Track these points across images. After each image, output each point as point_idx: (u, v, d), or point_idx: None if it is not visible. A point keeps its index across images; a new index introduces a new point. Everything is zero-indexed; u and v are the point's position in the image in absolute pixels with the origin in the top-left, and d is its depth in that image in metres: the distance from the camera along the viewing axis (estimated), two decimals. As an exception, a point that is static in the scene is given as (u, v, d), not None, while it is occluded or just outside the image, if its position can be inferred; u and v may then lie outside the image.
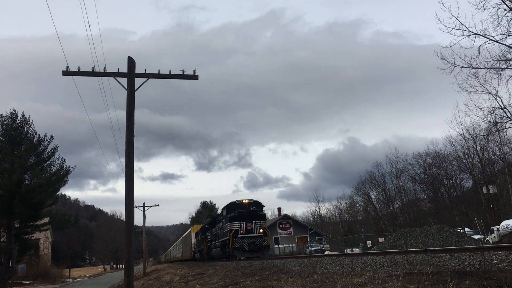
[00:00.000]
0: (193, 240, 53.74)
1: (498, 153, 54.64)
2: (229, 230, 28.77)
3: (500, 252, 6.75)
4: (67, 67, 11.74)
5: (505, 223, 35.33)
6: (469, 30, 22.08)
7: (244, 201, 31.02)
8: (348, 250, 47.53)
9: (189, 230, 61.10)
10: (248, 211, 29.69)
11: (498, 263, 6.56)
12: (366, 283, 6.64)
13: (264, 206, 31.87)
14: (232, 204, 31.44)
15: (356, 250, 41.25)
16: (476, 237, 34.27)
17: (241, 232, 28.40)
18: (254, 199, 31.86)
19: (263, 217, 30.52)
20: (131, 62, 11.60)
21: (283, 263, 16.40)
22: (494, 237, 34.75)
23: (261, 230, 28.96)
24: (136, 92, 11.46)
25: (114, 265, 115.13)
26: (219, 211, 54.52)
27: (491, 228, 37.30)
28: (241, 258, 27.69)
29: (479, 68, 22.48)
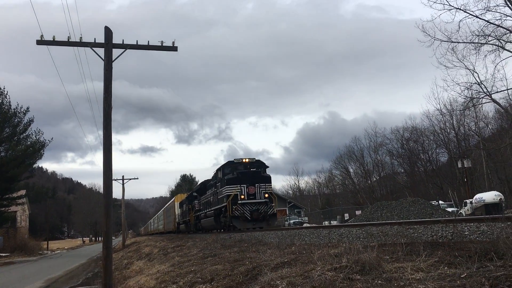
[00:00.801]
0: (177, 211, 49.60)
1: (473, 128, 55.78)
2: (227, 195, 23.97)
3: (472, 224, 6.96)
4: (42, 36, 11.40)
5: (478, 196, 36.33)
6: (450, 4, 22.22)
7: (244, 160, 25.48)
8: (326, 222, 48.40)
9: (172, 200, 56.60)
10: (250, 172, 24.52)
11: (469, 234, 6.77)
12: (342, 254, 6.78)
13: (268, 167, 26.12)
14: (229, 164, 25.89)
15: (334, 223, 41.99)
16: (450, 209, 35.19)
17: (242, 197, 23.49)
18: (256, 158, 26.17)
19: (268, 179, 24.81)
20: (108, 32, 11.32)
21: (262, 235, 16.63)
22: (467, 209, 35.75)
23: (266, 195, 23.85)
24: (114, 63, 11.23)
25: (93, 238, 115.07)
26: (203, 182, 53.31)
27: (465, 201, 38.33)
28: (241, 229, 22.90)
29: (458, 42, 22.72)
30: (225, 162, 26.30)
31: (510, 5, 21.06)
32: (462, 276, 4.25)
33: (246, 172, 24.42)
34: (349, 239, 10.00)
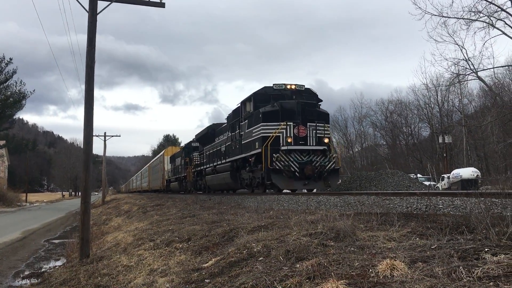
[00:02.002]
0: (167, 166, 44.23)
1: (457, 105, 56.35)
2: (262, 137, 16.16)
3: (446, 198, 7.11)
4: (24, -17, 11.00)
5: (455, 171, 37.06)
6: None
7: (289, 86, 17.49)
8: (305, 190, 48.89)
9: (161, 153, 50.16)
10: (300, 104, 16.37)
11: (443, 208, 6.92)
12: (319, 220, 6.89)
13: (321, 100, 17.98)
14: (265, 91, 17.76)
15: (314, 190, 42.48)
16: (427, 183, 35.90)
17: (289, 140, 15.78)
18: (306, 86, 18.02)
19: (326, 117, 17.01)
20: (93, -17, 10.97)
21: (241, 199, 16.78)
22: (444, 184, 36.52)
23: (326, 140, 16.45)
24: (99, 16, 10.93)
25: (72, 192, 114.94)
26: (183, 144, 46.44)
27: (442, 175, 39.10)
28: (284, 191, 16.46)
29: (449, 17, 22.64)
30: (258, 89, 17.88)
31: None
32: (432, 247, 4.35)
33: (295, 103, 16.24)
34: (327, 206, 10.14)
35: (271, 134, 15.90)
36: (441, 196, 7.35)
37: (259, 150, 16.17)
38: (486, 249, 3.94)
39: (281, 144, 15.85)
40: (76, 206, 47.00)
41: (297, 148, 15.86)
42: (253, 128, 17.21)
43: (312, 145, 16.10)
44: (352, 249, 4.89)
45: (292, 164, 15.72)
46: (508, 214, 4.91)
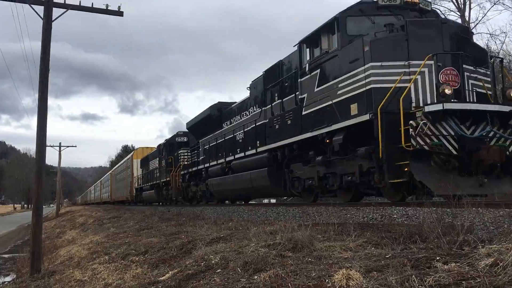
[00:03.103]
0: (136, 171, 36.44)
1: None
2: (371, 90, 8.60)
3: (400, 207, 7.29)
4: (-25, -13, 10.60)
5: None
6: None
7: None
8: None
9: (128, 156, 42.03)
10: (449, 27, 8.93)
11: (397, 217, 7.10)
12: (277, 231, 6.91)
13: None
14: (361, 9, 9.94)
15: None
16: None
17: (447, 91, 7.84)
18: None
19: (486, 56, 9.42)
20: (49, -11, 10.70)
21: (201, 210, 16.62)
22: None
23: None
24: (55, 23, 10.66)
25: (25, 205, 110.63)
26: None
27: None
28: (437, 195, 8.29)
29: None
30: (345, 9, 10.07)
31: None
32: (387, 256, 4.44)
33: (439, 24, 9.00)
34: (286, 217, 10.19)
35: (393, 85, 8.39)
36: (395, 206, 7.53)
37: (367, 117, 8.46)
38: (438, 258, 4.06)
39: (420, 102, 8.37)
40: (29, 219, 45.15)
41: (461, 107, 8.12)
42: (341, 78, 9.48)
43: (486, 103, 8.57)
44: (310, 259, 4.93)
45: (451, 143, 7.98)
46: (458, 223, 5.09)
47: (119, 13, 11.46)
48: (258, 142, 13.69)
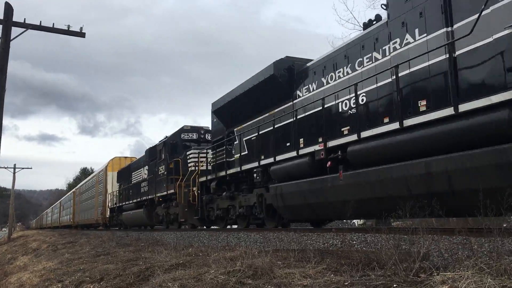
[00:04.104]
0: (111, 187, 29.88)
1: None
2: None
3: (359, 234, 7.38)
4: None
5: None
6: (360, 25, 23.48)
7: None
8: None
9: (100, 169, 34.72)
10: None
11: (357, 243, 7.17)
12: (238, 257, 6.85)
13: None
14: None
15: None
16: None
17: None
18: None
19: None
20: (8, 8, 10.46)
21: (160, 235, 16.30)
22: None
23: None
24: (14, 43, 10.41)
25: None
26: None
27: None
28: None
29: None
30: None
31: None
32: (345, 283, 4.46)
33: None
34: (247, 243, 10.13)
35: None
36: (355, 232, 7.61)
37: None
38: (395, 285, 4.11)
39: None
40: (-22, 244, 43.07)
41: None
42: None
43: None
44: (269, 287, 4.89)
45: None
46: (415, 250, 5.18)
47: (81, 34, 11.33)
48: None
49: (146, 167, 22.64)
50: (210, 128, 17.50)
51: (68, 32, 11.17)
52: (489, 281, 3.46)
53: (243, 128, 13.68)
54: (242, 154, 13.59)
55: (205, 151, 16.61)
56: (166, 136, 20.48)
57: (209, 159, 16.05)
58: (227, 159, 14.34)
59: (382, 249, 5.60)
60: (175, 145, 19.56)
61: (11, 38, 10.33)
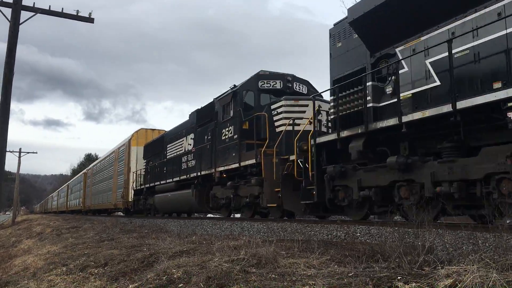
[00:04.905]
0: (136, 165, 24.86)
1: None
2: None
3: (363, 226, 7.39)
4: None
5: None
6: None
7: None
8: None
9: (123, 143, 28.48)
10: None
11: (360, 236, 7.19)
12: (242, 246, 6.88)
13: None
14: None
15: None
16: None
17: None
18: None
19: None
20: (18, -9, 10.47)
21: (164, 222, 16.38)
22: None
23: None
24: (22, 27, 10.41)
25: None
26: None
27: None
28: None
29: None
30: None
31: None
32: (349, 275, 4.48)
33: None
34: (250, 232, 10.17)
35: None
36: (359, 225, 7.63)
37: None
38: (399, 277, 4.12)
39: None
40: (-18, 227, 43.46)
41: None
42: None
43: None
44: (273, 276, 4.92)
45: None
46: (419, 243, 5.19)
47: (89, 19, 11.31)
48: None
49: (191, 136, 17.59)
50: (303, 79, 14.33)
51: (77, 17, 11.15)
52: (494, 276, 3.47)
53: (428, 41, 7.96)
54: (424, 88, 7.90)
55: (305, 102, 12.33)
56: (234, 86, 14.49)
57: (329, 110, 11.02)
58: (378, 104, 8.95)
59: (386, 242, 5.61)
60: (250, 97, 14.12)
61: (20, 22, 10.33)
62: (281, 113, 12.58)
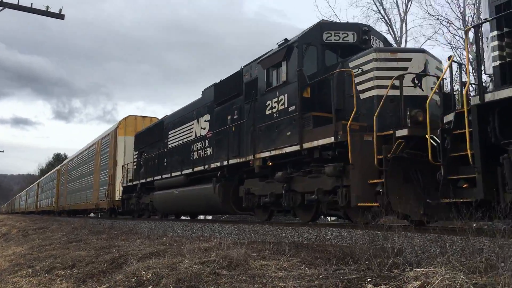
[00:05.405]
0: (123, 158, 22.13)
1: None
2: None
3: (334, 229, 7.45)
4: None
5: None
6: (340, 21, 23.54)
7: None
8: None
9: (107, 133, 25.02)
10: None
11: (331, 238, 7.24)
12: (212, 248, 6.83)
13: None
14: None
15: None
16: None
17: None
18: None
19: None
20: (-14, -16, 10.15)
21: (134, 224, 16.16)
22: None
23: None
24: (-12, 21, 10.11)
25: None
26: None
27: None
28: None
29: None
30: None
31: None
32: (320, 277, 4.50)
33: None
34: (221, 234, 10.12)
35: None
36: (330, 227, 7.68)
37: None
38: (369, 279, 4.16)
39: None
40: None
41: None
42: None
43: None
44: (244, 278, 4.89)
45: None
46: (389, 246, 5.25)
47: (59, 16, 11.04)
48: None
49: (206, 118, 14.21)
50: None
51: (47, 13, 10.86)
52: (461, 278, 3.53)
53: None
54: None
55: (406, 55, 8.87)
56: (285, 40, 10.73)
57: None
58: None
59: (356, 244, 5.66)
60: (310, 55, 10.23)
61: (-13, 16, 10.02)
62: (370, 71, 8.72)
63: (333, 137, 8.48)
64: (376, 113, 7.82)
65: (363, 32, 10.32)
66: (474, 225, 6.27)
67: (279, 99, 10.30)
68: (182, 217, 13.93)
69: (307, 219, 10.13)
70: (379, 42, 10.67)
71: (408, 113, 7.83)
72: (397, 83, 8.09)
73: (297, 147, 9.41)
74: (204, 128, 14.22)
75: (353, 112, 8.24)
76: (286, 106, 10.01)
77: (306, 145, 9.20)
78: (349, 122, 8.09)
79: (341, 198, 8.40)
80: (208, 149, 13.71)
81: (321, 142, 8.82)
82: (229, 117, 12.57)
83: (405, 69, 8.42)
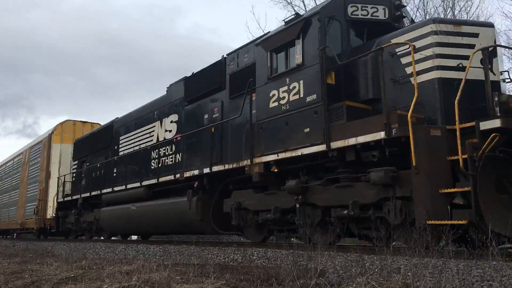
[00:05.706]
0: (57, 169, 19.56)
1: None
2: None
3: (261, 249, 7.44)
4: None
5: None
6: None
7: None
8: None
9: (38, 140, 22.19)
10: None
11: (257, 259, 7.22)
12: (135, 271, 6.58)
13: None
14: None
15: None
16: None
17: None
18: None
19: None
20: None
21: (52, 245, 15.25)
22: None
23: None
24: None
25: None
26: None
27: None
28: None
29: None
30: None
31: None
32: (243, 300, 4.44)
33: None
34: (146, 256, 9.80)
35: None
36: (256, 247, 7.67)
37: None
38: (291, 302, 4.16)
39: None
40: None
41: None
42: None
43: None
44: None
45: None
46: (312, 266, 5.31)
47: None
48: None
49: (172, 118, 12.20)
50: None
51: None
52: (379, 299, 3.62)
53: None
54: None
55: (474, 29, 7.02)
56: (296, 15, 9.05)
57: None
58: None
59: (281, 265, 5.68)
60: (333, 33, 8.11)
61: None
62: (428, 47, 6.80)
63: (383, 132, 6.39)
64: (457, 98, 5.82)
65: (396, 7, 8.46)
66: (394, 243, 6.50)
67: (291, 87, 8.13)
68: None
69: (327, 241, 7.22)
70: (408, 22, 8.94)
71: (497, 99, 5.98)
72: (465, 63, 6.34)
73: (322, 147, 7.30)
74: (170, 131, 12.10)
75: (414, 100, 6.19)
76: (301, 95, 7.88)
77: (337, 144, 7.08)
78: (410, 112, 6.06)
79: (393, 213, 6.36)
80: (176, 155, 11.51)
81: (363, 139, 6.71)
82: (206, 116, 10.66)
83: (472, 46, 6.63)
